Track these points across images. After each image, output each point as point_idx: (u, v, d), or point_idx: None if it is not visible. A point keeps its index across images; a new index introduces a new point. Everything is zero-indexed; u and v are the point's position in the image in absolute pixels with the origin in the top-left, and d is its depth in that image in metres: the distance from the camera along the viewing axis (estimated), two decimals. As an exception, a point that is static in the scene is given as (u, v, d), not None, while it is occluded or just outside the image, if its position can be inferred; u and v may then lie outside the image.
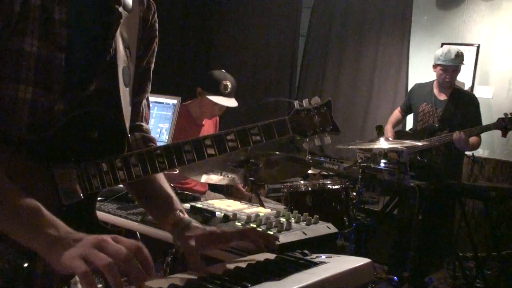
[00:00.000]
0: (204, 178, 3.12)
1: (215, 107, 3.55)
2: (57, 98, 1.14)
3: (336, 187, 3.17)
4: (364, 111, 5.95)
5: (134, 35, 1.32)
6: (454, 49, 4.40)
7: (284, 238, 1.77)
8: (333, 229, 1.97)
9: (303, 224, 1.95)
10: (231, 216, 1.97)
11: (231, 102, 3.55)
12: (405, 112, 4.80)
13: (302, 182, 3.43)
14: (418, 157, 4.32)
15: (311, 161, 3.87)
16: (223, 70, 3.62)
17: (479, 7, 5.47)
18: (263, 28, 6.32)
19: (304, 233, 1.86)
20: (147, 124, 1.49)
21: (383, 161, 3.73)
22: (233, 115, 5.54)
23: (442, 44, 5.54)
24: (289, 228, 1.87)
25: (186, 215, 1.37)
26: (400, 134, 4.60)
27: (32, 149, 1.11)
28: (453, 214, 4.54)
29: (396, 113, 4.78)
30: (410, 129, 4.72)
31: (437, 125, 4.36)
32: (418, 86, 4.70)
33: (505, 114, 4.09)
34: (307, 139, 1.28)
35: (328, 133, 1.29)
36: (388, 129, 4.65)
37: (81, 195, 1.14)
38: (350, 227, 3.17)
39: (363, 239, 3.53)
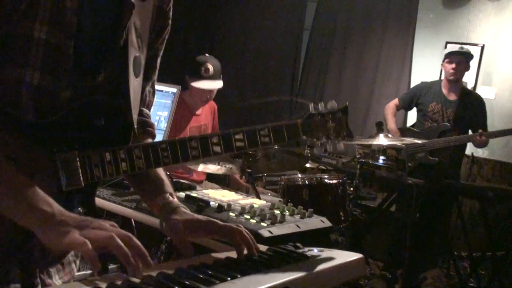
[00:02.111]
0: (201, 167, 3.12)
1: (202, 92, 3.53)
2: (64, 85, 1.13)
3: (333, 181, 3.16)
4: (365, 107, 5.94)
5: (147, 24, 1.30)
6: (460, 46, 4.45)
7: (277, 230, 1.77)
8: (327, 223, 1.96)
9: (297, 217, 1.95)
10: (225, 207, 1.96)
11: (214, 84, 3.52)
12: (404, 108, 4.80)
13: (299, 175, 3.42)
14: (430, 157, 4.33)
15: (309, 155, 3.86)
16: (206, 54, 3.60)
17: (485, 6, 5.44)
18: (267, 21, 6.30)
19: (297, 226, 1.85)
20: (149, 110, 1.48)
21: (381, 157, 3.73)
22: (234, 107, 5.54)
23: (447, 43, 5.53)
24: (282, 220, 1.86)
25: (175, 199, 1.36)
26: (403, 131, 4.59)
27: (36, 133, 1.10)
28: (449, 213, 4.56)
29: (393, 107, 4.75)
30: (411, 126, 4.71)
31: (449, 125, 4.39)
32: (425, 85, 4.70)
33: None
34: (319, 144, 1.25)
35: (342, 140, 1.26)
36: (393, 126, 4.63)
37: (82, 182, 1.13)
38: (346, 222, 3.17)
39: (359, 235, 3.53)
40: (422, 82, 4.79)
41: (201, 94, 3.55)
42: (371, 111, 5.88)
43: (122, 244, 0.94)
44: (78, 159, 1.13)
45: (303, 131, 1.22)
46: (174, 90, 2.90)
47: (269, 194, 3.49)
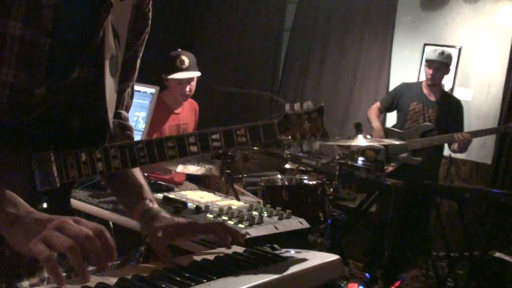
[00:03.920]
0: (180, 168, 3.10)
1: (181, 85, 3.53)
2: (38, 82, 1.11)
3: (312, 182, 3.16)
4: (345, 108, 5.97)
5: (125, 23, 1.29)
6: (441, 49, 4.55)
7: (255, 232, 1.76)
8: (305, 224, 1.96)
9: (275, 218, 1.94)
10: (203, 208, 1.95)
11: (191, 74, 3.54)
12: (386, 109, 4.85)
13: (279, 176, 3.42)
14: (413, 157, 4.37)
15: (289, 156, 3.86)
16: (179, 49, 3.60)
17: (462, 9, 5.51)
18: (247, 22, 6.30)
19: (275, 227, 1.85)
20: (127, 112, 1.46)
21: (360, 158, 3.75)
22: (215, 107, 5.52)
23: (425, 45, 5.59)
24: (260, 222, 1.86)
25: (155, 205, 1.35)
26: (387, 132, 4.63)
27: (10, 133, 1.09)
28: (428, 214, 4.60)
29: (375, 110, 4.80)
30: (393, 126, 4.75)
31: (431, 125, 4.44)
32: (406, 85, 4.74)
33: None
34: (295, 144, 1.26)
35: (317, 139, 1.27)
36: (377, 124, 4.65)
37: (57, 183, 1.12)
38: (326, 223, 3.18)
39: (338, 236, 3.54)
40: (402, 83, 4.83)
41: (180, 88, 3.54)
42: (350, 112, 5.91)
43: (80, 257, 0.91)
44: (53, 159, 1.12)
45: (280, 131, 1.23)
46: (153, 90, 2.88)
47: (250, 195, 3.48)
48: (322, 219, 3.13)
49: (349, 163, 3.71)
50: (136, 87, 2.94)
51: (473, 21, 5.46)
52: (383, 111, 4.86)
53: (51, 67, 1.13)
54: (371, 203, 4.28)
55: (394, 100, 4.70)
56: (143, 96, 2.87)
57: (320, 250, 3.11)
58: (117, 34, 1.25)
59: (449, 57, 4.50)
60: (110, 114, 1.25)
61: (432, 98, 4.54)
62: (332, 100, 5.99)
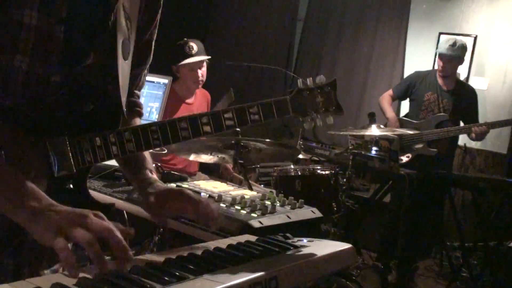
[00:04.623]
0: (192, 156, 3.10)
1: (193, 72, 3.55)
2: (53, 69, 1.13)
3: (325, 172, 3.16)
4: (359, 98, 5.94)
5: (136, 6, 1.29)
6: (454, 39, 4.43)
7: (267, 221, 1.77)
8: (317, 213, 1.97)
9: (287, 207, 1.95)
10: (216, 197, 1.96)
11: (202, 57, 3.56)
12: (399, 98, 4.79)
13: (292, 166, 3.42)
14: (429, 148, 4.34)
15: (302, 146, 3.86)
16: (185, 38, 3.62)
17: (477, -3, 5.44)
18: (261, 13, 6.27)
19: (288, 216, 1.86)
20: (140, 91, 1.48)
21: (374, 148, 3.73)
22: (228, 86, 5.47)
23: (440, 34, 5.53)
24: (273, 211, 1.86)
25: (154, 175, 1.37)
26: (402, 122, 4.56)
27: (26, 120, 1.10)
28: (442, 204, 4.57)
29: (388, 98, 4.71)
30: (404, 116, 4.70)
31: (447, 116, 4.39)
32: (419, 74, 4.66)
33: None
34: (309, 119, 1.25)
35: (331, 114, 1.26)
36: (392, 115, 4.58)
37: (74, 168, 1.13)
38: (339, 213, 3.18)
39: (352, 226, 3.54)
40: (416, 72, 4.77)
41: (193, 74, 3.55)
42: (364, 102, 5.87)
43: (99, 250, 0.92)
44: (68, 144, 1.13)
45: (292, 107, 1.22)
46: (166, 81, 2.89)
47: (262, 187, 3.48)
48: (335, 209, 3.13)
49: (363, 153, 3.69)
50: (149, 78, 2.97)
51: (488, 9, 5.38)
52: (396, 99, 4.78)
53: (66, 54, 1.14)
54: (384, 193, 4.27)
55: (408, 89, 4.62)
56: (156, 87, 2.88)
57: (333, 239, 3.12)
58: (129, 17, 1.26)
59: (461, 48, 4.39)
60: (123, 98, 1.26)
61: (447, 88, 4.48)
62: (346, 90, 5.96)
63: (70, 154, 1.13)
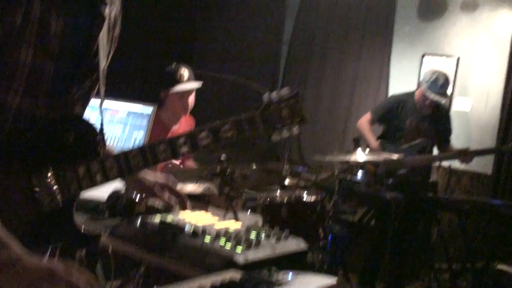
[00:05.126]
0: (178, 187, 3.08)
1: (182, 99, 3.49)
2: (40, 105, 1.14)
3: (312, 199, 3.16)
4: (344, 121, 5.96)
5: (105, 34, 1.31)
6: (443, 76, 4.40)
7: (253, 255, 1.75)
8: (303, 245, 1.95)
9: (273, 240, 1.94)
10: (200, 233, 1.94)
11: (194, 84, 3.50)
12: (378, 122, 4.69)
13: (278, 192, 3.41)
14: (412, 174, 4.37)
15: (289, 171, 3.85)
16: (175, 63, 3.58)
17: (460, 18, 5.52)
18: (246, 36, 6.32)
19: (273, 249, 1.84)
20: None
21: (360, 173, 3.74)
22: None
23: (423, 55, 5.59)
24: (258, 244, 1.85)
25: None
26: (385, 148, 4.49)
27: (9, 155, 1.10)
28: (429, 226, 4.57)
29: (367, 124, 4.63)
30: (381, 135, 4.67)
31: (429, 142, 4.44)
32: (398, 99, 4.63)
33: None
34: (276, 133, 1.33)
35: (296, 124, 1.34)
36: (375, 145, 4.51)
37: (60, 202, 1.13)
38: (325, 239, 3.17)
39: (339, 251, 3.52)
40: (393, 96, 4.78)
41: (182, 101, 3.49)
42: (350, 126, 5.88)
43: None
44: (53, 177, 1.13)
45: (262, 122, 1.30)
46: (149, 112, 2.88)
47: (248, 214, 3.46)
48: (321, 235, 3.12)
49: (349, 178, 3.70)
50: (133, 108, 2.95)
51: (471, 31, 5.47)
52: (375, 123, 4.69)
53: (53, 88, 1.15)
54: (371, 217, 4.27)
55: (388, 115, 4.58)
56: (140, 117, 2.87)
57: (321, 266, 3.11)
58: (104, 46, 1.29)
59: (446, 87, 4.42)
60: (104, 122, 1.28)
61: (425, 112, 4.50)
62: (332, 113, 6.00)
63: (56, 188, 1.13)
